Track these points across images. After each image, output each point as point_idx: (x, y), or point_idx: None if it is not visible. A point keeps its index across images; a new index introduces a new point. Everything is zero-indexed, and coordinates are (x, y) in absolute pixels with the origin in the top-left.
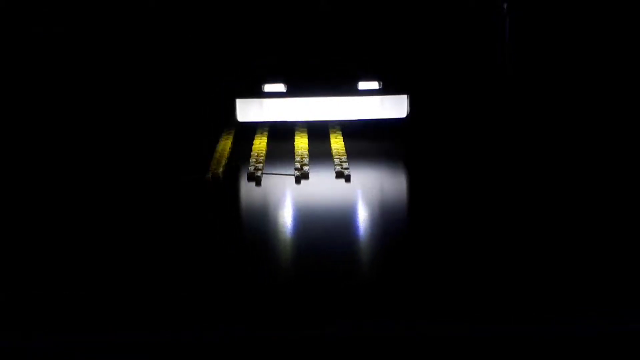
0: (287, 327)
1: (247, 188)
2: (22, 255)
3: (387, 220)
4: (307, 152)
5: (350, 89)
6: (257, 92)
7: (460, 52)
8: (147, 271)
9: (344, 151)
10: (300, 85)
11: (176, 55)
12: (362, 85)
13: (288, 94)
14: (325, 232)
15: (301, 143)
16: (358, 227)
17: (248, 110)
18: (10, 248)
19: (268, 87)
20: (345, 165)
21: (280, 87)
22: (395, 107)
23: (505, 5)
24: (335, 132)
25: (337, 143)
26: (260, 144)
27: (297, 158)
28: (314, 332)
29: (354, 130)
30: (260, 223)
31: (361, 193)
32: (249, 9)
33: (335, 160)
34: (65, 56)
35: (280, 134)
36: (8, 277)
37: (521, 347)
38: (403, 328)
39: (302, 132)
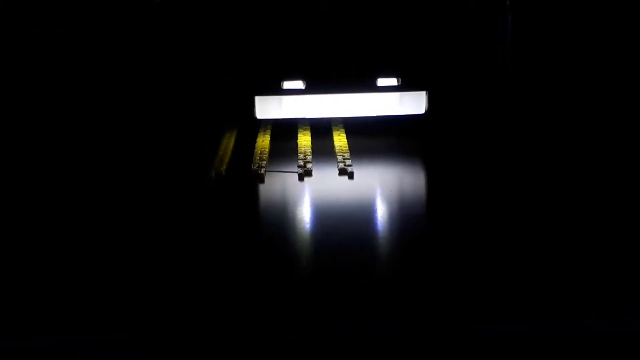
0: (288, 328)
1: (250, 186)
2: (22, 255)
3: (393, 218)
4: (310, 150)
5: (369, 86)
6: (275, 90)
7: (467, 50)
8: (147, 271)
9: (347, 148)
10: (319, 82)
11: (177, 55)
12: (381, 81)
13: (306, 90)
14: (330, 229)
15: (304, 141)
16: (364, 224)
17: (266, 107)
18: (10, 248)
19: (287, 84)
20: (348, 162)
21: (299, 84)
22: (413, 103)
23: (508, 2)
24: (338, 129)
25: (340, 140)
26: (263, 141)
27: (300, 155)
28: (315, 333)
29: (369, 127)
30: (263, 220)
31: (369, 190)
32: (268, 6)
33: (338, 157)
34: (65, 56)
35: (283, 132)
36: (8, 277)
37: (521, 347)
38: (403, 328)
39: (305, 130)
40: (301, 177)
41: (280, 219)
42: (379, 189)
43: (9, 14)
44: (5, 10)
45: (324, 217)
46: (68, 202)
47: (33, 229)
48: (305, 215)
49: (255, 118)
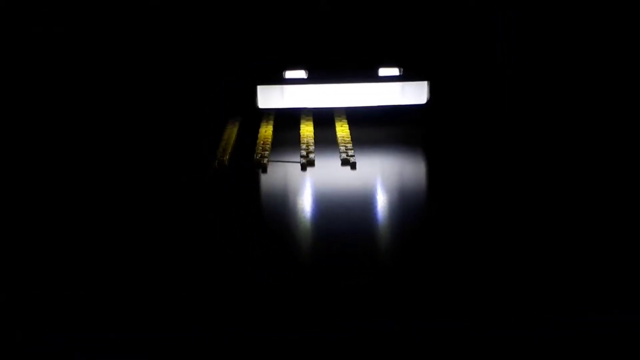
0: (288, 328)
1: (253, 175)
2: (22, 255)
3: (393, 213)
4: (313, 140)
5: (370, 75)
6: (278, 79)
7: (469, 41)
8: (148, 271)
9: (350, 138)
10: (322, 72)
11: (178, 46)
12: (383, 71)
13: (309, 80)
14: (330, 224)
15: (307, 131)
16: (364, 219)
17: (268, 97)
18: (10, 248)
19: (289, 74)
20: (350, 152)
21: (301, 74)
22: (415, 93)
23: None
24: (340, 120)
25: (342, 131)
26: (266, 132)
27: (303, 146)
28: (315, 333)
29: (371, 116)
30: (264, 215)
31: (370, 181)
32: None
33: (341, 147)
34: (65, 56)
35: (285, 123)
36: (8, 277)
37: (521, 347)
38: (403, 328)
39: (307, 119)
40: (304, 167)
41: (280, 214)
42: (380, 180)
43: (9, 14)
44: (5, 10)
45: (325, 211)
46: (68, 201)
47: (33, 228)
48: (306, 208)
49: (258, 108)
